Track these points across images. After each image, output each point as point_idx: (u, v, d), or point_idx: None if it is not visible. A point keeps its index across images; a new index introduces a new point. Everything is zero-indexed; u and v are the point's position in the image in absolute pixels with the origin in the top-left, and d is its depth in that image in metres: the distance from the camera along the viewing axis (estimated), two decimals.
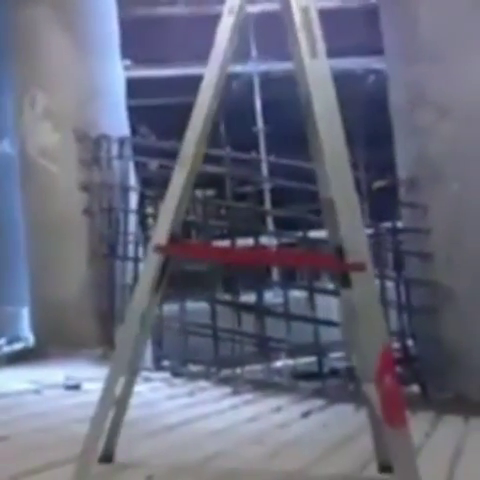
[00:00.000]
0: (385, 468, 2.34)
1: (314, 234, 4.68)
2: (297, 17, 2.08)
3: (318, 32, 2.08)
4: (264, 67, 8.20)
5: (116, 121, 5.52)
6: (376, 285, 2.04)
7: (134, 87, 6.61)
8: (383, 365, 1.97)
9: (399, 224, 4.92)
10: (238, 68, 8.21)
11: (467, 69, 4.36)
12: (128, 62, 7.31)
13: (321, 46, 2.07)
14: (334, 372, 4.81)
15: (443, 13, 4.21)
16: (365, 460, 2.79)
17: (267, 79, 8.14)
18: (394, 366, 2.03)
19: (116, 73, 5.76)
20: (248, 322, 4.63)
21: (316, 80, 2.05)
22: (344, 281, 2.06)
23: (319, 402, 3.80)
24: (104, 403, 2.20)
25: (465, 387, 4.16)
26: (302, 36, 2.07)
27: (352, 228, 2.02)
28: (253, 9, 8.41)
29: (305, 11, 2.07)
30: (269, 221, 6.38)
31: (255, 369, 4.56)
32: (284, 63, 8.70)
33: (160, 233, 2.13)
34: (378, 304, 2.05)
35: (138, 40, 7.24)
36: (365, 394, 2.28)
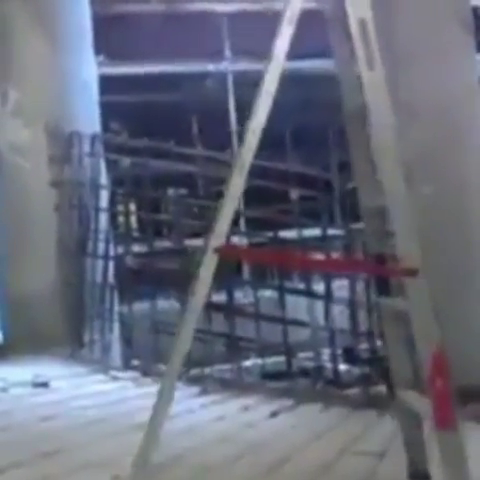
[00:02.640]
0: (419, 475, 2.36)
1: (284, 234, 4.70)
2: (354, 28, 2.10)
3: (375, 44, 2.09)
4: (238, 67, 8.20)
5: (88, 118, 5.49)
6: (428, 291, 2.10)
7: (107, 84, 6.58)
8: (436, 368, 1.99)
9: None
10: (211, 67, 8.23)
11: (435, 74, 4.41)
12: (101, 58, 7.28)
13: (377, 58, 2.09)
14: (303, 372, 4.83)
15: (412, 21, 4.25)
16: (333, 459, 2.82)
17: (242, 79, 8.14)
18: (447, 370, 2.03)
19: (89, 69, 5.72)
20: (218, 321, 4.63)
21: (373, 92, 2.09)
22: (384, 288, 2.18)
23: (287, 402, 3.81)
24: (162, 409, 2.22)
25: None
26: (359, 48, 2.09)
27: (406, 235, 2.07)
28: (228, 8, 8.44)
29: (362, 23, 2.09)
30: (241, 221, 6.39)
31: (224, 368, 4.56)
32: (258, 63, 8.77)
33: (219, 235, 2.17)
34: (431, 309, 2.09)
35: (111, 36, 7.21)
36: (402, 401, 2.33)
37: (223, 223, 2.17)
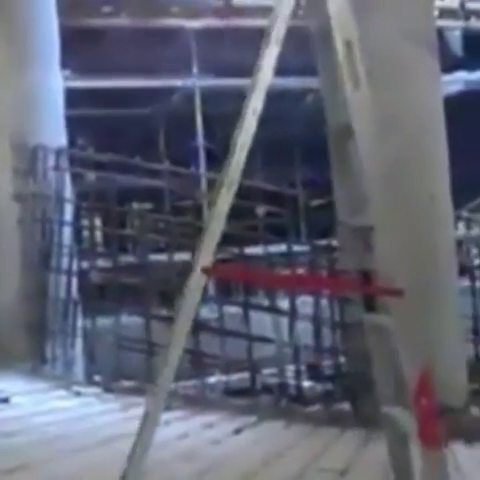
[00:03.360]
0: None
1: (250, 250, 4.71)
2: (340, 49, 2.13)
3: (360, 65, 2.13)
4: (206, 83, 8.22)
5: (54, 131, 5.45)
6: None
7: (74, 97, 6.55)
8: (421, 387, 2.00)
9: (334, 242, 4.98)
10: (178, 83, 8.23)
11: (401, 95, 4.46)
12: (68, 72, 7.25)
13: (363, 78, 2.13)
14: (267, 388, 4.82)
15: (379, 41, 4.31)
16: (295, 475, 2.82)
17: (209, 94, 8.17)
18: (432, 388, 2.05)
19: (55, 83, 5.69)
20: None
21: (358, 111, 2.12)
22: (370, 306, 2.19)
23: (251, 419, 3.80)
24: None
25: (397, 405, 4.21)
26: (345, 68, 2.12)
27: (391, 254, 2.10)
28: (196, 25, 8.47)
29: (348, 44, 2.12)
30: None
31: (188, 385, 4.54)
32: (225, 79, 8.81)
33: (206, 255, 2.14)
34: (415, 328, 2.11)
35: (79, 50, 7.19)
36: (387, 418, 2.31)
37: (210, 241, 2.14)
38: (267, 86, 2.17)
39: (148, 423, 2.19)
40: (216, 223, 2.15)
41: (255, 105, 2.17)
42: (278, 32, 2.18)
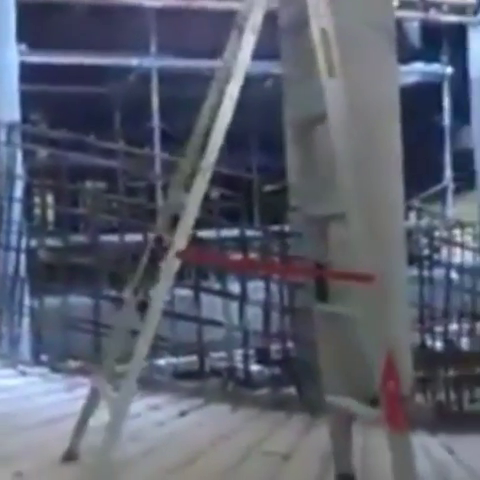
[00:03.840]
0: (345, 477, 2.41)
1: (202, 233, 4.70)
2: (316, 37, 2.14)
3: (335, 53, 2.15)
4: (163, 63, 8.15)
5: (6, 106, 5.36)
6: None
7: (29, 73, 6.44)
8: (388, 372, 2.03)
9: (287, 228, 5.00)
10: (136, 62, 8.14)
11: (359, 83, 4.48)
12: (24, 47, 7.12)
13: (338, 66, 2.15)
14: (215, 372, 4.84)
15: (339, 30, 4.32)
16: (239, 459, 2.84)
17: (166, 75, 8.10)
18: (398, 374, 2.07)
19: (10, 57, 5.59)
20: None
21: (333, 99, 2.14)
22: (323, 294, 2.27)
23: (197, 401, 3.81)
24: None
25: (342, 390, 4.26)
26: (321, 55, 2.14)
27: (362, 242, 2.12)
28: (155, 4, 8.38)
29: (324, 32, 2.14)
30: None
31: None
32: (183, 60, 8.74)
33: (181, 238, 2.15)
34: (383, 315, 2.14)
35: (36, 25, 7.06)
36: (332, 405, 2.36)
37: (185, 226, 2.15)
38: (244, 73, 2.19)
39: (117, 412, 2.19)
40: (191, 208, 2.16)
41: (232, 91, 2.19)
42: (255, 20, 2.20)
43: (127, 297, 2.61)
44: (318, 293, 2.35)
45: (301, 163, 2.41)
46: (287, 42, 2.38)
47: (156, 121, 7.91)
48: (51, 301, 4.57)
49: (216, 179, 5.30)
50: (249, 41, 2.19)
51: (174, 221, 2.34)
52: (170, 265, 2.15)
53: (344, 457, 2.43)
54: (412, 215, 8.69)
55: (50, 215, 5.63)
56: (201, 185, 2.15)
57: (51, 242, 4.91)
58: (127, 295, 2.58)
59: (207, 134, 2.30)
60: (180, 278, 5.71)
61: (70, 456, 2.53)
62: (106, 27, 7.61)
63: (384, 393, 2.03)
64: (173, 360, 4.85)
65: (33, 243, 4.97)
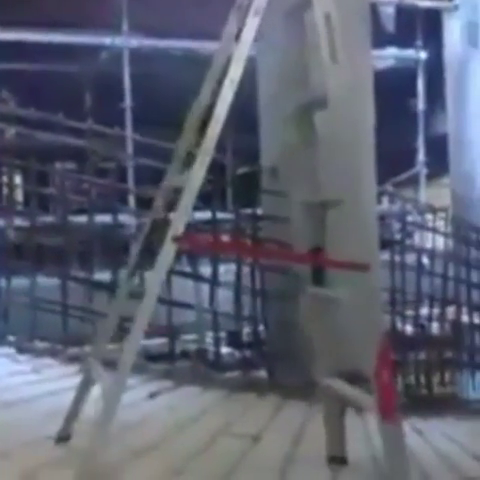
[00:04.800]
0: (337, 459, 2.44)
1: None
2: (320, 22, 2.13)
3: (338, 38, 2.14)
4: (135, 42, 8.05)
5: None
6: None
7: None
8: (382, 360, 2.02)
9: (259, 211, 4.97)
10: (107, 41, 8.03)
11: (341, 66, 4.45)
12: None
13: (341, 51, 2.14)
14: (186, 354, 4.81)
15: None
16: (208, 441, 2.82)
17: (137, 55, 8.00)
18: (391, 362, 2.07)
19: None
20: (102, 301, 4.54)
21: (336, 84, 2.13)
22: (319, 279, 2.28)
23: (168, 383, 3.79)
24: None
25: (312, 372, 4.26)
26: (324, 41, 2.13)
27: (358, 231, 2.12)
28: None
29: (327, 17, 2.13)
30: (131, 199, 6.30)
31: (106, 349, 4.47)
32: (156, 40, 8.64)
33: (178, 224, 2.10)
34: (378, 303, 2.13)
35: (4, 1, 6.92)
36: (326, 388, 2.37)
37: (182, 212, 2.11)
38: (246, 57, 2.15)
39: (110, 400, 2.17)
40: (188, 195, 2.11)
41: (233, 76, 2.15)
42: (259, 2, 2.17)
43: (120, 282, 2.59)
44: (314, 277, 2.35)
45: (297, 148, 2.42)
46: (287, 25, 2.36)
47: (128, 101, 7.82)
48: (19, 281, 4.51)
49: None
50: (253, 23, 2.16)
51: (170, 205, 2.32)
52: (167, 250, 2.12)
53: (337, 439, 2.44)
54: (385, 200, 8.72)
55: (19, 195, 5.54)
56: (200, 170, 2.11)
57: (19, 222, 4.84)
58: (121, 280, 2.56)
59: (203, 118, 2.28)
60: (150, 259, 5.68)
61: (63, 437, 2.51)
62: (77, 5, 7.48)
63: (378, 382, 2.02)
64: (144, 342, 4.80)
65: (1, 223, 4.89)
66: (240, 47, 2.15)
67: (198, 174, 2.11)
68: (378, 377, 2.02)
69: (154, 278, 2.16)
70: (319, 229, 2.36)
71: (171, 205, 2.27)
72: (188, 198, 2.11)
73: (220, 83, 2.19)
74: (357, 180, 2.13)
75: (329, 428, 2.47)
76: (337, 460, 2.46)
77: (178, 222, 2.10)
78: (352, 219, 2.12)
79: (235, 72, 2.14)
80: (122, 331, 4.41)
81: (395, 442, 2.02)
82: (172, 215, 2.16)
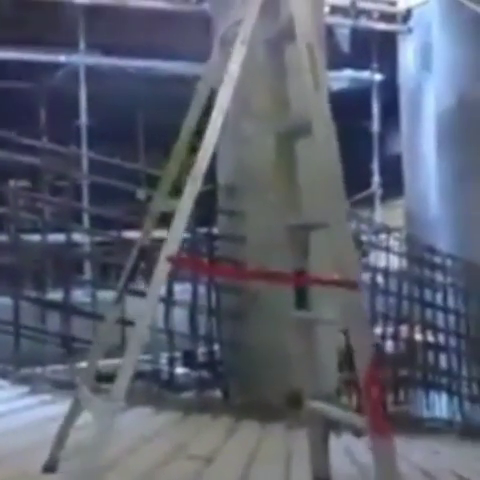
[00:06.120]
0: None
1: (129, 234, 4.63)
2: (303, 52, 2.22)
3: (320, 66, 2.24)
4: (91, 60, 8.02)
5: None
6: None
7: None
8: (371, 378, 2.05)
9: (215, 230, 4.97)
10: (63, 59, 7.99)
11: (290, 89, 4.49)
12: None
13: (322, 79, 2.23)
14: (139, 374, 4.76)
15: (264, 29, 4.32)
16: (161, 463, 2.79)
17: (95, 72, 7.97)
18: (380, 379, 2.10)
19: None
20: (55, 321, 4.48)
21: (318, 110, 2.21)
22: (302, 301, 2.35)
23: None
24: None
25: (266, 392, 4.26)
26: (307, 70, 2.21)
27: (346, 250, 2.15)
28: (85, 0, 8.25)
29: (309, 47, 2.22)
30: (85, 218, 6.24)
31: (58, 369, 4.42)
32: (112, 58, 8.63)
33: (172, 244, 2.15)
34: (366, 322, 2.19)
35: None
36: (311, 411, 2.37)
37: (177, 231, 2.16)
38: (234, 85, 2.24)
39: (104, 426, 2.18)
40: (182, 213, 2.17)
41: (222, 102, 2.23)
42: (245, 32, 2.27)
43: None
44: (298, 301, 2.41)
45: (283, 174, 2.50)
46: (270, 55, 2.48)
47: (83, 119, 7.77)
48: None
49: (143, 180, 5.26)
50: (240, 52, 2.25)
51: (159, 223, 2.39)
52: (161, 270, 2.15)
53: (321, 461, 2.45)
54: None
55: None
56: (190, 194, 2.18)
57: None
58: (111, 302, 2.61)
59: (192, 140, 2.39)
60: (104, 279, 5.63)
61: (50, 467, 2.50)
62: (34, 22, 7.44)
63: (368, 399, 2.05)
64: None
65: None
66: (228, 75, 2.24)
67: (189, 197, 2.18)
68: (368, 394, 2.05)
69: (148, 299, 2.19)
70: (302, 252, 2.43)
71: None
72: (181, 220, 2.17)
73: (207, 110, 2.27)
74: (340, 202, 2.19)
75: (314, 450, 2.49)
76: None
77: (172, 243, 2.15)
78: (337, 241, 2.16)
79: (223, 100, 2.23)
80: (70, 352, 4.39)
81: (387, 457, 2.06)
82: (167, 236, 2.18)
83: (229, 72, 2.26)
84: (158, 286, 2.18)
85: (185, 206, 2.18)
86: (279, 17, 2.44)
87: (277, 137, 2.51)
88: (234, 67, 2.26)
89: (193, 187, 2.19)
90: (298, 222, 2.46)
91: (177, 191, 2.36)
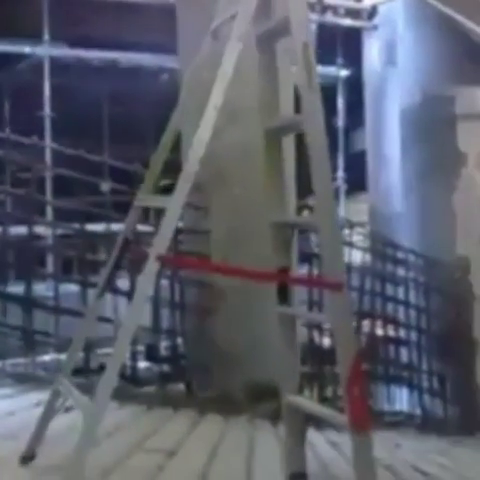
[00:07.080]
0: (297, 475, 2.47)
1: (92, 227, 4.60)
2: (299, 50, 2.21)
3: (314, 67, 2.25)
4: (56, 52, 7.94)
5: None
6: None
7: None
8: (353, 376, 2.08)
9: (180, 224, 4.96)
10: (27, 50, 7.91)
11: (254, 84, 4.49)
12: None
13: (316, 79, 2.24)
14: (102, 368, 4.73)
15: (227, 27, 4.31)
16: (122, 456, 2.78)
17: (59, 64, 7.90)
18: (363, 377, 2.14)
19: None
20: (16, 314, 4.44)
21: (311, 111, 2.23)
22: (284, 298, 2.36)
23: (83, 398, 3.71)
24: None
25: (229, 386, 4.28)
26: (302, 69, 2.21)
27: (333, 250, 2.16)
28: None
29: (305, 47, 2.22)
30: (49, 210, 6.19)
31: (19, 363, 4.38)
32: (77, 50, 8.56)
33: (161, 243, 2.13)
34: (351, 321, 2.24)
35: None
36: (289, 406, 2.39)
37: (166, 230, 2.13)
38: (228, 82, 2.22)
39: (92, 416, 2.22)
40: (172, 212, 2.14)
41: (216, 100, 2.20)
42: (240, 29, 2.24)
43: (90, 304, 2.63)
44: (280, 297, 2.42)
45: (270, 171, 2.49)
46: (261, 51, 2.48)
47: (47, 110, 7.70)
48: None
49: (107, 172, 5.22)
50: (235, 49, 2.22)
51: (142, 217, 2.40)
52: (150, 269, 2.13)
53: (298, 456, 2.46)
54: (305, 213, 8.82)
55: None
56: (182, 192, 2.15)
57: None
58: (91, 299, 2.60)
59: (177, 138, 2.44)
60: (67, 273, 5.59)
61: (27, 459, 2.52)
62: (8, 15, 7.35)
63: (349, 396, 2.09)
64: (58, 356, 4.72)
65: None
66: (222, 72, 2.21)
67: (180, 195, 2.16)
68: (349, 391, 2.08)
69: (137, 297, 2.16)
70: (286, 249, 2.44)
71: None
72: (171, 215, 2.15)
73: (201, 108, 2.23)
74: (330, 203, 2.23)
75: (290, 445, 2.50)
76: (298, 476, 2.48)
77: (162, 241, 2.14)
78: (326, 242, 2.18)
79: (217, 97, 2.21)
80: (31, 345, 4.35)
81: (365, 453, 2.10)
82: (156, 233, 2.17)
83: (223, 69, 2.22)
84: (147, 285, 2.16)
85: (176, 205, 2.15)
86: (271, 14, 2.42)
87: (265, 134, 2.51)
88: (228, 64, 2.23)
89: (185, 185, 2.16)
90: (283, 219, 2.46)
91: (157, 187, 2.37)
